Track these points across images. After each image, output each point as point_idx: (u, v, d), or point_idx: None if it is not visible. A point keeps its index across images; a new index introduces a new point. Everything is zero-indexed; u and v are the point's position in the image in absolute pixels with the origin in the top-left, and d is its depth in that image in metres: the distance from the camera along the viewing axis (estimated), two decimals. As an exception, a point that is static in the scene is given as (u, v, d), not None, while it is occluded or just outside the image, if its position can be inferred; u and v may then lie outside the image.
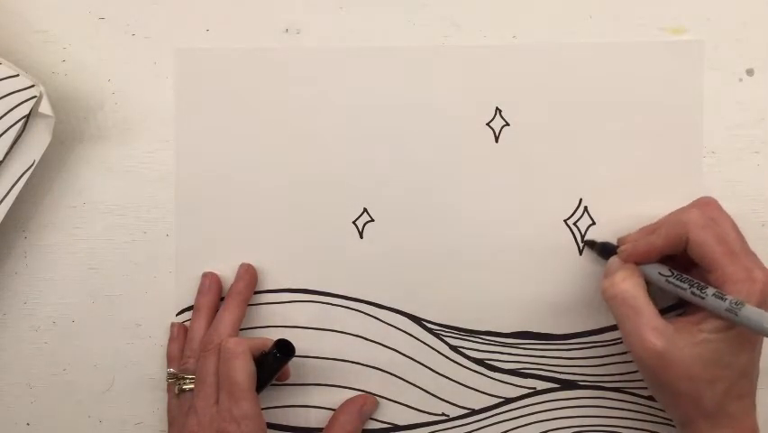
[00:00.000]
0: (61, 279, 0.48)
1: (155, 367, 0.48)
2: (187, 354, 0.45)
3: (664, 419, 0.47)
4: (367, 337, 0.47)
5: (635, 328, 0.40)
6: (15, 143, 0.44)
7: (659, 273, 0.41)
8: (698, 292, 0.39)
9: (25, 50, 0.47)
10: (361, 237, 0.47)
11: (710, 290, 0.39)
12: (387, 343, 0.47)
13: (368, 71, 0.47)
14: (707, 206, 0.42)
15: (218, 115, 0.47)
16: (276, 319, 0.47)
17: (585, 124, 0.46)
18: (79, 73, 0.47)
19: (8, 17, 0.47)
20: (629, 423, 0.47)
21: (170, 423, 0.45)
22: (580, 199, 0.46)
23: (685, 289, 0.40)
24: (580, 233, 0.46)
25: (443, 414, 0.47)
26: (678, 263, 0.42)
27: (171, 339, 0.47)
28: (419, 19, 0.47)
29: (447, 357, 0.47)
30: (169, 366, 0.46)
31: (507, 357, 0.47)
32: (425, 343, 0.47)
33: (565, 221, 0.46)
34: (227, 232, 0.47)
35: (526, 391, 0.47)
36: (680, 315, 0.45)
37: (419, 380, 0.47)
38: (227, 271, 0.47)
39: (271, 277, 0.47)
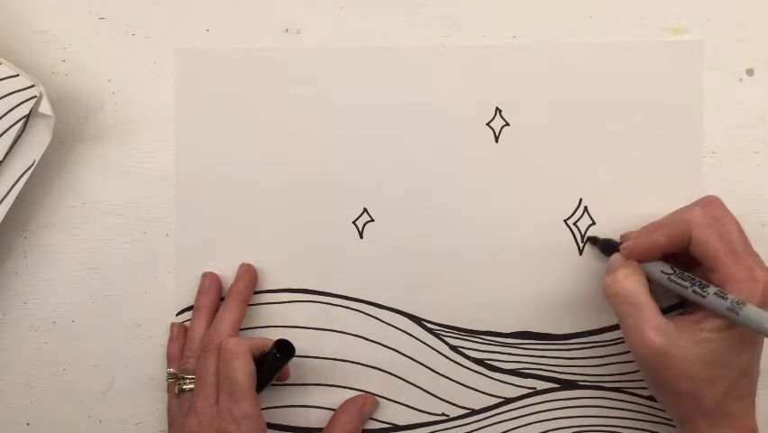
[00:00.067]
0: (61, 279, 0.48)
1: (155, 367, 0.48)
2: (187, 354, 0.45)
3: (664, 419, 0.47)
4: (367, 337, 0.47)
5: (636, 326, 0.40)
6: (15, 143, 0.44)
7: (661, 271, 0.41)
8: (699, 291, 0.39)
9: (25, 50, 0.47)
10: (361, 237, 0.47)
11: (712, 289, 0.39)
12: (387, 343, 0.47)
13: (368, 71, 0.47)
14: (711, 204, 0.42)
15: (218, 115, 0.47)
16: (276, 319, 0.47)
17: (585, 124, 0.46)
18: (79, 73, 0.47)
19: (8, 17, 0.47)
20: (629, 423, 0.47)
21: (170, 423, 0.45)
22: (580, 199, 0.46)
23: (687, 287, 0.40)
24: (580, 233, 0.46)
25: (443, 414, 0.47)
26: (680, 262, 0.42)
27: (171, 339, 0.47)
28: (419, 19, 0.47)
29: (447, 357, 0.47)
30: (169, 366, 0.46)
31: (507, 357, 0.47)
32: (425, 343, 0.47)
33: (565, 221, 0.46)
34: (227, 232, 0.47)
35: (526, 391, 0.47)
36: (681, 314, 0.45)
37: (419, 380, 0.47)
38: (227, 271, 0.47)
39: (271, 277, 0.47)
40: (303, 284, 0.47)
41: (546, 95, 0.46)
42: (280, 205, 0.47)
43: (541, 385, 0.47)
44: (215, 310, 0.46)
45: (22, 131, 0.44)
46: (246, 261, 0.47)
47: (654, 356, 0.39)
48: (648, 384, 0.43)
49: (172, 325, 0.47)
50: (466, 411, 0.47)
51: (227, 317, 0.45)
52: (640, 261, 0.42)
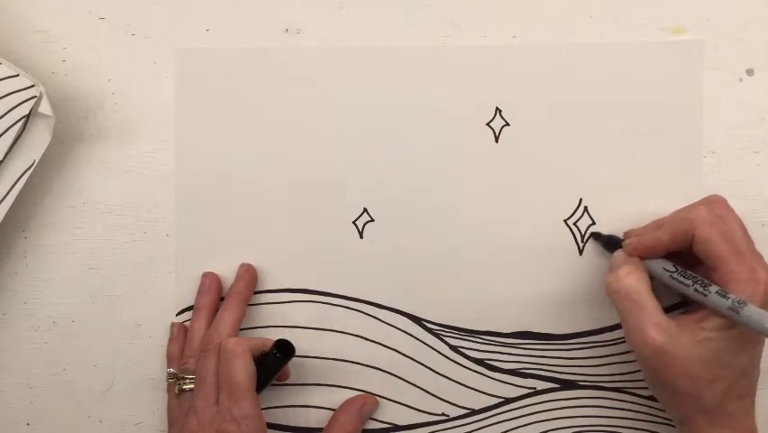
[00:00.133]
0: (61, 279, 0.48)
1: (155, 367, 0.48)
2: (187, 354, 0.45)
3: (664, 418, 0.47)
4: (367, 337, 0.47)
5: (637, 323, 0.40)
6: (15, 143, 0.44)
7: (663, 269, 0.41)
8: (701, 289, 0.39)
9: (25, 50, 0.47)
10: (361, 237, 0.47)
11: (713, 288, 0.39)
12: (387, 343, 0.47)
13: (368, 71, 0.47)
14: (714, 203, 0.42)
15: (218, 115, 0.47)
16: (276, 319, 0.47)
17: (585, 124, 0.46)
18: (79, 73, 0.47)
19: (8, 17, 0.47)
20: (629, 423, 0.47)
21: (170, 423, 0.45)
22: (580, 199, 0.46)
23: (688, 285, 0.40)
24: (580, 233, 0.46)
25: (443, 414, 0.47)
26: (683, 260, 0.42)
27: (171, 339, 0.47)
28: (419, 19, 0.47)
29: (447, 357, 0.47)
30: (169, 366, 0.46)
31: (507, 357, 0.47)
32: (425, 343, 0.47)
33: (565, 221, 0.46)
34: (227, 232, 0.47)
35: (526, 391, 0.47)
36: (683, 313, 0.45)
37: (419, 380, 0.47)
38: (227, 271, 0.47)
39: (271, 277, 0.47)
40: (303, 284, 0.47)
41: (546, 95, 0.46)
42: (280, 205, 0.47)
43: (541, 385, 0.47)
44: (215, 310, 0.46)
45: (22, 131, 0.44)
46: (246, 261, 0.47)
47: (655, 354, 0.39)
48: (648, 383, 0.43)
49: (172, 325, 0.47)
50: (466, 411, 0.47)
51: (227, 317, 0.45)
52: (643, 258, 0.42)
